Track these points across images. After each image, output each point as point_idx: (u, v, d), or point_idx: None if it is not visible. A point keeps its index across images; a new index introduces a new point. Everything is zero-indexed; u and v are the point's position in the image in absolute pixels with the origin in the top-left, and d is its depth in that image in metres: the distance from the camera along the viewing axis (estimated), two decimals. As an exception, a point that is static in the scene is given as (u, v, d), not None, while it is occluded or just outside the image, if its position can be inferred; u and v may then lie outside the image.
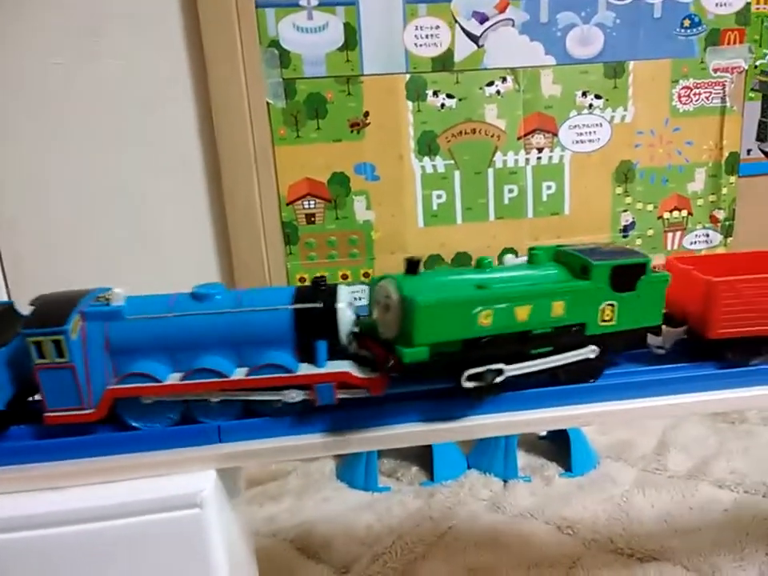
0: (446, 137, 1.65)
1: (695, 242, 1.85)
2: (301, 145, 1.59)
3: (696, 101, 1.74)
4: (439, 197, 1.68)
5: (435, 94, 1.61)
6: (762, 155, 1.83)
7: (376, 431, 0.78)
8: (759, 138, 1.82)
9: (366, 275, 1.68)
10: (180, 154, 1.53)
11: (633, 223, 1.79)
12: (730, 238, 1.86)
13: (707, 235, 1.85)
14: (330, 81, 1.57)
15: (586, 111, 1.69)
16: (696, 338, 0.87)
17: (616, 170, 1.74)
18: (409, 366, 0.72)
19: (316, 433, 0.78)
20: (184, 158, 1.54)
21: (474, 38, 1.60)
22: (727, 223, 1.85)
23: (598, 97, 1.68)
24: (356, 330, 0.80)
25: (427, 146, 1.64)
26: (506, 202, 1.71)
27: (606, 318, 0.81)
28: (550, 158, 1.70)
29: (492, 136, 1.66)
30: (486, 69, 1.62)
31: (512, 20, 1.60)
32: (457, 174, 1.67)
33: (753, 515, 1.33)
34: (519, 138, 1.67)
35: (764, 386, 0.84)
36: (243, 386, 0.75)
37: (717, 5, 1.70)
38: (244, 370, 0.76)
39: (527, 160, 1.69)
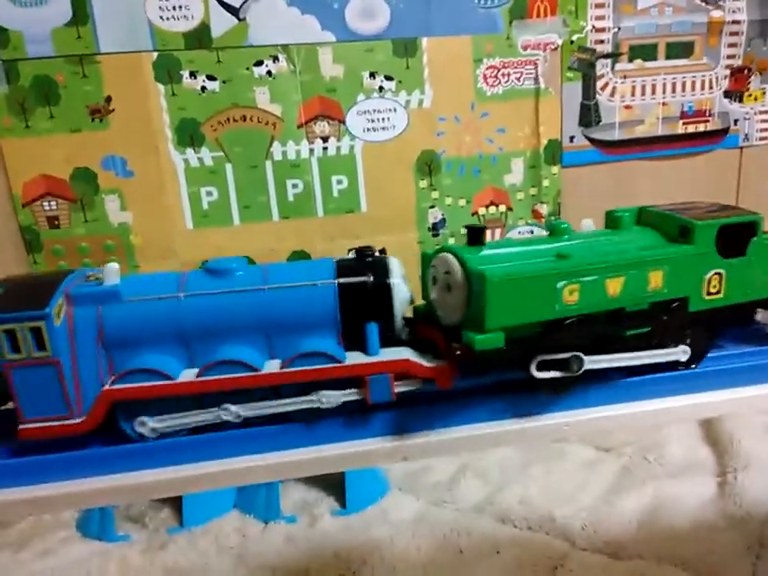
0: (212, 125, 1.43)
1: (518, 240, 1.67)
2: (32, 136, 1.36)
3: (505, 82, 1.55)
4: (209, 194, 1.47)
5: (193, 75, 1.39)
6: (588, 142, 1.66)
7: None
8: (583, 123, 1.64)
9: (127, 286, 1.46)
10: None
11: (443, 220, 1.60)
12: (558, 235, 1.69)
13: (531, 232, 1.67)
14: (59, 61, 1.34)
15: (376, 95, 1.49)
16: None
17: (417, 160, 1.54)
18: (481, 355, 0.58)
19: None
20: None
21: (232, 10, 1.38)
22: (552, 218, 1.67)
23: (388, 78, 1.48)
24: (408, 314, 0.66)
25: (189, 135, 1.42)
26: (291, 198, 1.50)
27: (713, 290, 0.67)
28: (338, 148, 1.50)
29: (267, 124, 1.45)
30: (251, 46, 1.41)
31: (276, -11, 1.39)
32: (229, 167, 1.46)
33: (520, 559, 1.16)
34: (300, 126, 1.47)
35: None
36: (278, 381, 0.60)
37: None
38: (277, 362, 0.62)
39: (311, 151, 1.49)
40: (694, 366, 0.68)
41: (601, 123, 1.65)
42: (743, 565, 1.14)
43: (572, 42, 1.57)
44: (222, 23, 1.38)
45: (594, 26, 1.57)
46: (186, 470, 0.59)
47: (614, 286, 0.61)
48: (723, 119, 1.71)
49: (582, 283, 0.60)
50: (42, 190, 1.39)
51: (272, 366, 0.61)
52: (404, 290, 0.63)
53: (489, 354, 0.58)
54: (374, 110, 1.50)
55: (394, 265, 0.65)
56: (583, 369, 0.61)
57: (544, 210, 1.66)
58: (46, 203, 1.40)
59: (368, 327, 0.62)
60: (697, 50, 1.65)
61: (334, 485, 1.36)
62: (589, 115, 1.64)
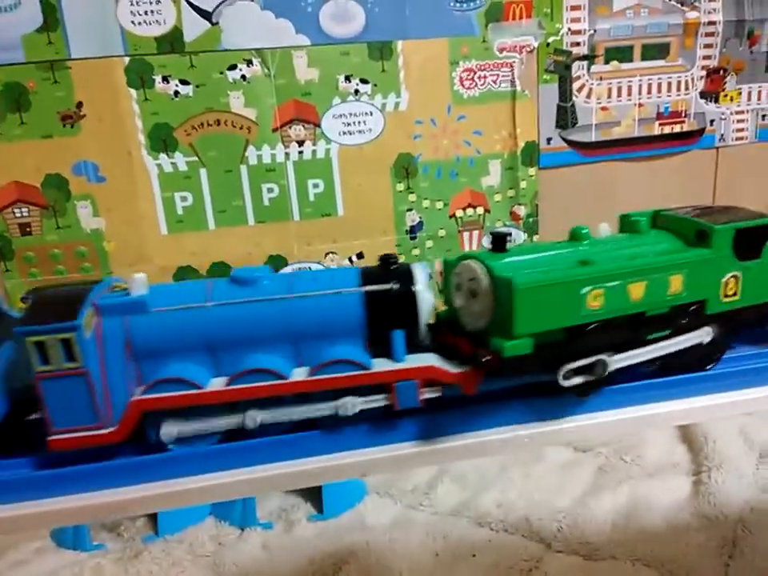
0: (185, 130, 1.42)
1: (496, 242, 1.67)
2: (3, 143, 1.34)
3: (482, 85, 1.55)
4: (184, 199, 1.45)
5: (165, 80, 1.38)
6: (565, 144, 1.66)
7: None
8: (560, 125, 1.65)
9: (102, 292, 1.44)
10: None
11: (420, 223, 1.60)
12: (536, 236, 1.69)
13: (509, 234, 1.67)
14: (29, 67, 1.32)
15: (351, 98, 1.48)
16: None
17: (394, 164, 1.54)
18: (508, 362, 0.59)
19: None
20: None
21: (205, 15, 1.37)
22: (530, 220, 1.68)
23: (364, 81, 1.47)
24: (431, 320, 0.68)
25: (162, 140, 1.41)
26: (267, 203, 1.50)
27: (729, 293, 0.69)
28: (314, 152, 1.49)
29: (241, 128, 1.44)
30: (225, 50, 1.40)
31: (249, -8, 1.38)
32: (203, 172, 1.45)
33: (496, 562, 1.16)
34: (275, 130, 1.46)
35: None
36: (306, 389, 0.61)
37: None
38: (304, 369, 0.62)
39: (287, 155, 1.48)
40: (709, 367, 0.70)
41: (577, 125, 1.65)
42: (716, 565, 1.15)
43: (548, 44, 1.57)
44: (194, 27, 1.37)
45: (569, 29, 1.57)
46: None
47: (636, 291, 0.63)
48: (699, 120, 1.72)
49: (606, 288, 0.61)
50: (13, 197, 1.38)
51: (300, 374, 0.61)
52: (428, 297, 0.64)
53: (516, 360, 0.59)
54: (350, 114, 1.49)
55: (419, 272, 0.65)
56: (609, 371, 0.63)
57: (522, 211, 1.67)
58: (17, 210, 1.39)
59: (394, 334, 0.62)
60: (672, 51, 1.66)
61: (311, 490, 1.36)
62: (565, 117, 1.64)
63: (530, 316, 0.59)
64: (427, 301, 0.64)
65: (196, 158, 1.44)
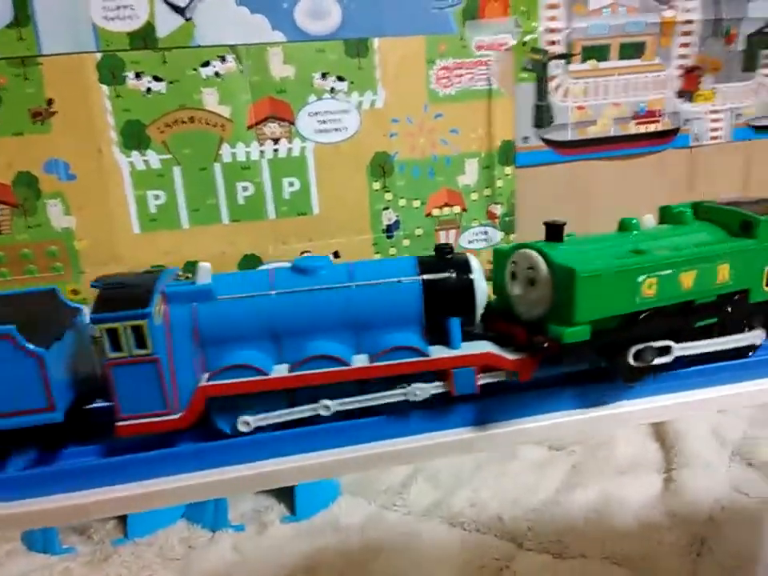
0: (158, 127, 1.40)
1: (473, 241, 1.68)
2: (-28, 140, 1.32)
3: (458, 83, 1.54)
4: (157, 197, 1.44)
5: (138, 76, 1.36)
6: (542, 143, 1.66)
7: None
8: (537, 124, 1.65)
9: (74, 292, 1.42)
10: None
11: (397, 222, 1.59)
12: (513, 235, 1.69)
13: (486, 233, 1.67)
14: (0, 63, 1.30)
15: (327, 96, 1.47)
16: None
17: (370, 162, 1.53)
18: (566, 348, 0.61)
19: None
20: None
21: (178, 10, 1.35)
22: (507, 219, 1.68)
23: (340, 79, 1.46)
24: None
25: (134, 137, 1.39)
26: (241, 201, 1.48)
27: None
28: (290, 149, 1.48)
29: (215, 125, 1.43)
30: (198, 46, 1.38)
31: (223, -12, 1.36)
32: (177, 170, 1.43)
33: (468, 562, 1.16)
34: (249, 128, 1.45)
35: None
36: (369, 375, 0.63)
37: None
38: (365, 356, 0.64)
39: (262, 153, 1.47)
40: (750, 355, 0.73)
41: (554, 124, 1.65)
42: (684, 562, 1.16)
43: (524, 42, 1.56)
44: (167, 23, 1.35)
45: (546, 27, 1.57)
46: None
47: (687, 280, 0.66)
48: (674, 119, 1.73)
49: (660, 277, 0.64)
50: (-17, 196, 1.36)
51: (361, 361, 0.63)
52: (484, 285, 0.66)
53: (574, 346, 0.61)
54: (326, 111, 1.48)
55: (474, 262, 0.67)
56: (672, 357, 0.67)
57: (498, 210, 1.67)
58: (-14, 208, 1.37)
59: (451, 322, 0.64)
60: (649, 50, 1.67)
61: (285, 491, 1.35)
62: (542, 116, 1.64)
63: (590, 303, 0.61)
64: (483, 289, 0.66)
65: (169, 156, 1.42)
